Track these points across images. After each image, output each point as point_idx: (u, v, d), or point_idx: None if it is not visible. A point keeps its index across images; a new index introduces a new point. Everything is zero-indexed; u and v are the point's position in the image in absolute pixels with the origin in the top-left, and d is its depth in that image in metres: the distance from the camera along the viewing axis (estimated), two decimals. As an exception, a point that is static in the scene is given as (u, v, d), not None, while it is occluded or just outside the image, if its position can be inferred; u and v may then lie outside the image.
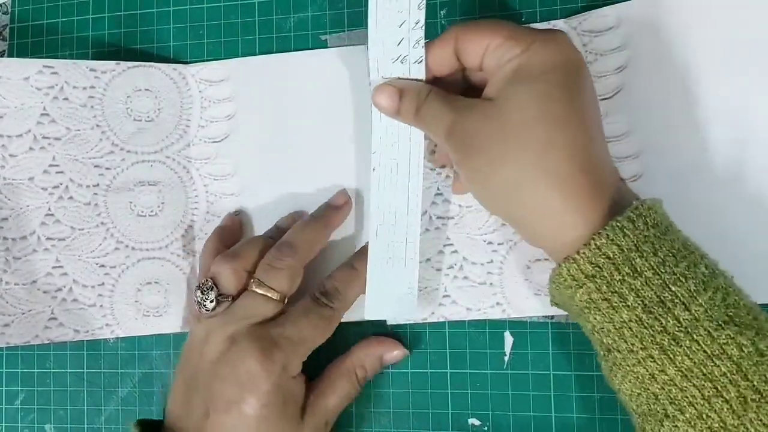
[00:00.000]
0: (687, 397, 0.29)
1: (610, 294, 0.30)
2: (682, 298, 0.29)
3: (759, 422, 0.27)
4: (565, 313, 0.35)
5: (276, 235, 0.40)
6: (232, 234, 0.42)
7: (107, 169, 0.43)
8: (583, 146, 0.32)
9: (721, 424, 0.28)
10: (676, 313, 0.29)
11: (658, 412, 0.30)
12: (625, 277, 0.30)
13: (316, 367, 0.40)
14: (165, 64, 0.44)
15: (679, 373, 0.29)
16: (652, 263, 0.30)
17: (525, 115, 0.32)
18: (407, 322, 0.41)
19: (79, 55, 0.46)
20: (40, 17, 0.47)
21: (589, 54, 0.39)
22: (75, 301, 0.43)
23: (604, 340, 0.31)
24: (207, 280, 0.38)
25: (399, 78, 0.36)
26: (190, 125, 0.44)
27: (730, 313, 0.29)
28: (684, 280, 0.29)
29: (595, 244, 0.30)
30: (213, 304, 0.37)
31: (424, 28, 0.34)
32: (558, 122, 0.31)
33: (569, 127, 0.32)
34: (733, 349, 0.28)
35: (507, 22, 0.34)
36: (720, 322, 0.29)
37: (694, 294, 0.29)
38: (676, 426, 0.29)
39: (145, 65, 0.44)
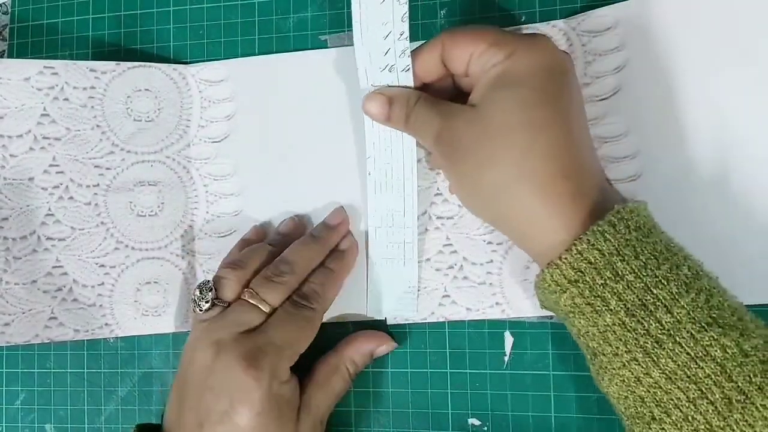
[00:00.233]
0: (672, 400, 0.29)
1: (592, 298, 0.30)
2: (664, 301, 0.29)
3: (744, 423, 0.28)
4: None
5: (278, 242, 0.40)
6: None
7: (107, 169, 0.43)
8: (565, 151, 0.32)
9: (707, 425, 0.28)
10: (658, 315, 0.29)
11: (645, 414, 0.30)
12: (607, 281, 0.30)
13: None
14: (165, 64, 0.44)
15: (664, 375, 0.29)
16: (633, 267, 0.30)
17: (507, 120, 0.32)
18: (407, 322, 0.41)
19: (79, 55, 0.46)
20: (40, 17, 0.47)
21: (588, 54, 0.39)
22: (75, 301, 0.43)
23: (590, 344, 0.31)
24: (208, 282, 0.38)
25: (388, 86, 0.36)
26: (190, 125, 0.44)
27: (714, 315, 0.29)
28: (666, 283, 0.30)
29: (577, 249, 0.31)
30: (208, 305, 0.37)
31: (408, 38, 0.34)
32: (539, 127, 0.32)
33: (550, 132, 0.32)
34: (716, 351, 0.28)
35: (492, 28, 0.34)
36: (703, 324, 0.29)
37: (677, 296, 0.29)
38: (662, 428, 0.29)
39: (145, 65, 0.44)
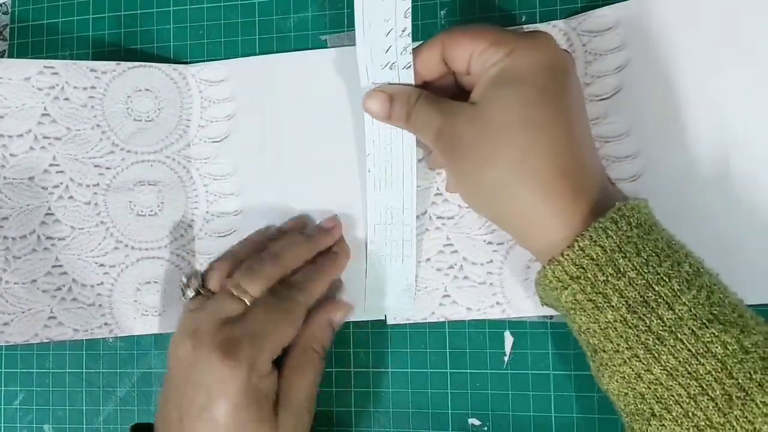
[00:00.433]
0: (673, 396, 0.29)
1: (594, 295, 0.30)
2: (665, 298, 0.29)
3: (744, 419, 0.28)
4: (562, 312, 0.35)
5: (275, 238, 0.40)
6: None
7: (107, 168, 0.43)
8: (566, 149, 0.32)
9: (707, 422, 0.28)
10: (659, 312, 0.29)
11: (645, 411, 0.30)
12: (609, 278, 0.30)
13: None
14: (165, 64, 0.44)
15: (665, 372, 0.29)
16: (635, 263, 0.30)
17: (506, 119, 0.32)
18: (407, 322, 0.41)
19: (79, 55, 0.46)
20: (40, 17, 0.47)
21: (588, 54, 0.39)
22: (74, 300, 0.43)
23: (591, 341, 0.31)
24: (197, 271, 0.38)
25: (389, 83, 0.36)
26: (190, 125, 0.44)
27: (715, 311, 0.29)
28: (667, 280, 0.30)
29: (579, 246, 0.31)
30: (192, 294, 0.37)
31: (410, 35, 0.34)
32: (539, 126, 0.32)
33: (550, 131, 0.32)
34: (717, 347, 0.28)
35: (492, 27, 0.34)
36: (704, 321, 0.29)
37: (678, 293, 0.29)
38: (663, 425, 0.29)
39: (145, 65, 0.44)
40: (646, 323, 0.29)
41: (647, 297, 0.30)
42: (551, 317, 0.39)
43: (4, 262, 0.42)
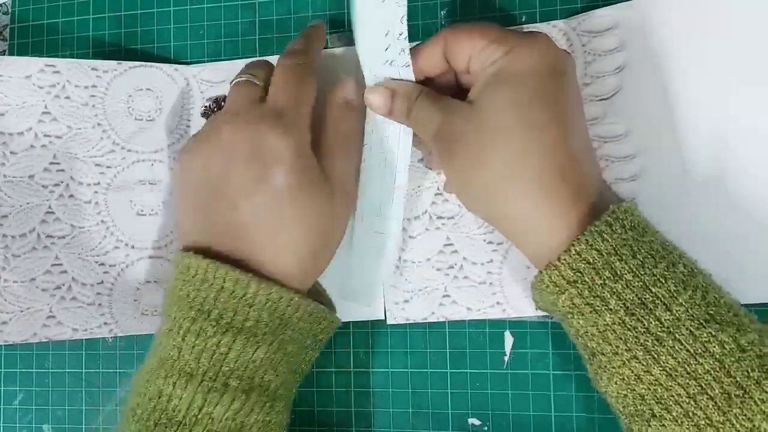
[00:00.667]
0: (673, 396, 0.29)
1: (592, 298, 0.31)
2: (662, 299, 0.30)
3: (744, 417, 0.28)
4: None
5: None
6: None
7: (108, 167, 0.43)
8: (561, 152, 0.32)
9: (707, 420, 0.28)
10: (657, 313, 0.29)
11: (645, 412, 0.30)
12: (606, 281, 0.30)
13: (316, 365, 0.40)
14: (166, 64, 0.44)
15: (664, 372, 0.29)
16: (631, 266, 0.30)
17: (502, 119, 0.32)
18: (407, 322, 0.41)
19: (79, 55, 0.46)
20: (40, 17, 0.47)
21: (588, 55, 0.39)
22: (74, 300, 0.43)
23: (589, 344, 0.31)
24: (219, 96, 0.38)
25: (391, 79, 0.36)
26: (190, 125, 0.44)
27: (711, 311, 0.29)
28: (664, 281, 0.30)
29: (575, 250, 0.31)
30: (210, 102, 0.38)
31: (407, 38, 0.34)
32: (535, 127, 0.32)
33: (546, 134, 0.32)
34: (715, 347, 0.29)
35: (494, 26, 0.34)
36: (701, 321, 0.29)
37: (675, 294, 0.30)
38: (663, 425, 0.29)
39: (146, 65, 0.44)
40: (644, 325, 0.29)
41: (645, 299, 0.30)
42: (552, 317, 0.39)
43: (4, 261, 0.42)
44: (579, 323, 0.31)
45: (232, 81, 0.37)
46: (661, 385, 0.29)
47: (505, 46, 0.33)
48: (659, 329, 0.29)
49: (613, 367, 0.30)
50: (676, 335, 0.29)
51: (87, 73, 0.43)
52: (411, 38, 0.34)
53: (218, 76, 0.44)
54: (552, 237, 0.32)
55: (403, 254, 0.41)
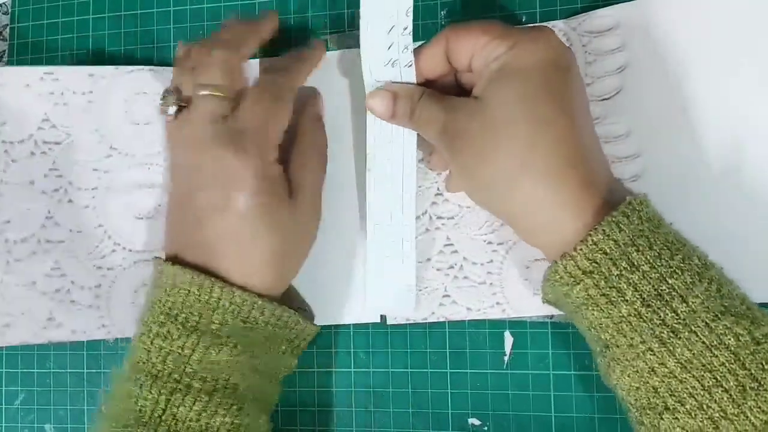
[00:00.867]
0: (687, 389, 0.29)
1: (608, 289, 0.31)
2: (679, 291, 0.30)
3: (758, 409, 0.28)
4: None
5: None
6: None
7: (105, 172, 0.43)
8: (570, 143, 0.32)
9: (722, 413, 0.28)
10: (674, 305, 0.29)
11: (658, 405, 0.30)
12: (623, 272, 0.30)
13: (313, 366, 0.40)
14: (163, 67, 0.44)
15: (679, 365, 0.29)
16: (648, 257, 0.30)
17: (508, 113, 0.32)
18: (407, 322, 0.41)
19: (79, 55, 0.46)
20: (40, 17, 0.47)
21: (589, 55, 0.39)
22: (73, 303, 0.43)
23: (602, 336, 0.31)
24: (168, 88, 0.37)
25: (392, 81, 0.36)
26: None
27: (726, 304, 0.29)
28: (680, 273, 0.30)
29: (592, 240, 0.31)
30: (174, 109, 0.36)
31: (412, 33, 0.34)
32: (542, 121, 0.32)
33: (554, 126, 0.32)
34: (730, 339, 0.29)
35: (496, 23, 0.34)
36: (716, 313, 0.29)
37: (690, 286, 0.30)
38: (676, 418, 0.29)
39: (143, 69, 0.44)
40: (660, 316, 0.30)
41: (661, 290, 0.30)
42: (551, 317, 0.39)
43: (5, 265, 0.42)
44: (593, 315, 0.31)
45: (194, 84, 0.36)
46: (676, 377, 0.29)
47: (508, 42, 0.33)
48: (675, 321, 0.29)
49: (627, 359, 0.30)
50: (692, 327, 0.29)
51: (84, 78, 0.43)
52: (413, 36, 0.34)
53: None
54: (565, 228, 0.32)
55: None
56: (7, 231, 0.43)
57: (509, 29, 0.34)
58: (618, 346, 0.31)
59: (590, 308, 0.31)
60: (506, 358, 0.40)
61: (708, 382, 0.29)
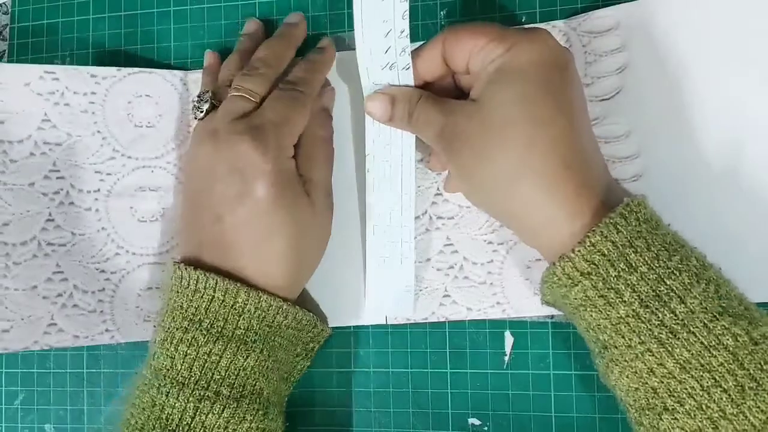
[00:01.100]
0: (686, 389, 0.29)
1: (606, 291, 0.31)
2: (677, 291, 0.30)
3: (757, 409, 0.28)
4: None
5: (246, 45, 0.41)
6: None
7: (108, 174, 0.43)
8: (567, 143, 0.32)
9: (721, 413, 0.28)
10: (672, 306, 0.30)
11: (657, 405, 0.30)
12: (621, 273, 0.30)
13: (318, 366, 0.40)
14: (166, 70, 0.44)
15: (678, 365, 0.29)
16: (646, 258, 0.30)
17: (506, 114, 0.32)
18: (407, 322, 0.41)
19: (79, 55, 0.46)
20: (40, 17, 0.47)
21: (589, 55, 0.39)
22: (75, 307, 0.42)
23: (601, 337, 0.32)
24: (207, 91, 0.39)
25: (390, 85, 0.36)
26: (190, 131, 0.44)
27: (723, 304, 0.30)
28: (678, 274, 0.30)
29: (590, 242, 0.31)
30: (207, 107, 0.38)
31: (409, 36, 0.34)
32: (539, 122, 0.32)
33: (552, 127, 0.32)
34: (728, 340, 0.29)
35: (493, 24, 0.34)
36: (715, 314, 0.29)
37: (689, 287, 0.30)
38: (675, 418, 0.29)
39: (145, 71, 0.44)
40: (658, 317, 0.30)
41: (659, 291, 0.30)
42: (552, 317, 0.39)
43: (5, 269, 0.42)
44: (591, 316, 0.31)
45: (233, 86, 0.38)
46: (675, 377, 0.29)
47: (505, 43, 0.33)
48: (674, 322, 0.29)
49: (626, 360, 0.31)
50: (690, 328, 0.29)
51: (86, 79, 0.43)
52: (411, 39, 0.34)
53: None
54: (562, 229, 0.32)
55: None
56: (6, 234, 0.42)
57: (506, 31, 0.34)
58: (616, 347, 0.31)
59: (588, 309, 0.31)
60: (506, 358, 0.40)
61: (707, 383, 0.29)
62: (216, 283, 0.34)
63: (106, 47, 0.46)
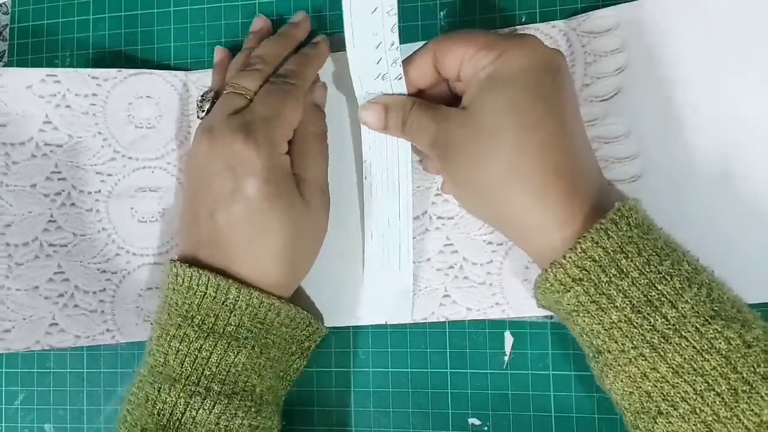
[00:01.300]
0: (679, 393, 0.29)
1: (598, 296, 0.31)
2: (668, 296, 0.30)
3: (751, 412, 0.28)
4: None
5: (252, 45, 0.41)
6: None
7: (108, 175, 0.43)
8: (557, 149, 0.32)
9: (715, 417, 0.28)
10: (663, 311, 0.30)
11: (651, 409, 0.30)
12: (612, 279, 0.30)
13: (319, 368, 0.40)
14: (166, 71, 0.44)
15: (671, 369, 0.29)
16: (637, 263, 0.30)
17: (496, 121, 0.32)
18: (407, 322, 0.41)
19: (79, 56, 0.46)
20: (40, 17, 0.47)
21: (588, 55, 0.39)
22: (76, 307, 0.42)
23: (594, 342, 0.32)
24: (210, 91, 0.39)
25: (383, 93, 0.36)
26: (191, 132, 0.44)
27: (716, 308, 0.30)
28: (669, 278, 0.30)
29: (581, 248, 0.31)
30: (209, 104, 0.39)
31: (399, 48, 0.34)
32: (529, 127, 0.32)
33: (542, 132, 0.32)
34: (721, 343, 0.29)
35: (482, 32, 0.35)
36: (707, 318, 0.29)
37: (680, 291, 0.30)
38: (669, 422, 0.29)
39: (146, 72, 0.44)
40: (650, 322, 0.30)
41: (651, 296, 0.30)
42: (551, 317, 0.39)
43: (7, 269, 0.42)
44: (584, 321, 0.32)
45: (229, 84, 0.38)
46: (668, 382, 0.29)
47: (495, 51, 0.33)
48: (665, 326, 0.29)
49: (619, 365, 0.31)
50: (683, 332, 0.29)
51: (87, 81, 0.43)
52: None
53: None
54: (553, 235, 0.32)
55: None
56: (8, 235, 0.42)
57: (495, 38, 0.34)
58: (610, 352, 0.31)
59: (581, 315, 0.32)
60: (506, 358, 0.40)
61: (700, 386, 0.29)
62: (208, 280, 0.34)
63: (106, 47, 0.46)
